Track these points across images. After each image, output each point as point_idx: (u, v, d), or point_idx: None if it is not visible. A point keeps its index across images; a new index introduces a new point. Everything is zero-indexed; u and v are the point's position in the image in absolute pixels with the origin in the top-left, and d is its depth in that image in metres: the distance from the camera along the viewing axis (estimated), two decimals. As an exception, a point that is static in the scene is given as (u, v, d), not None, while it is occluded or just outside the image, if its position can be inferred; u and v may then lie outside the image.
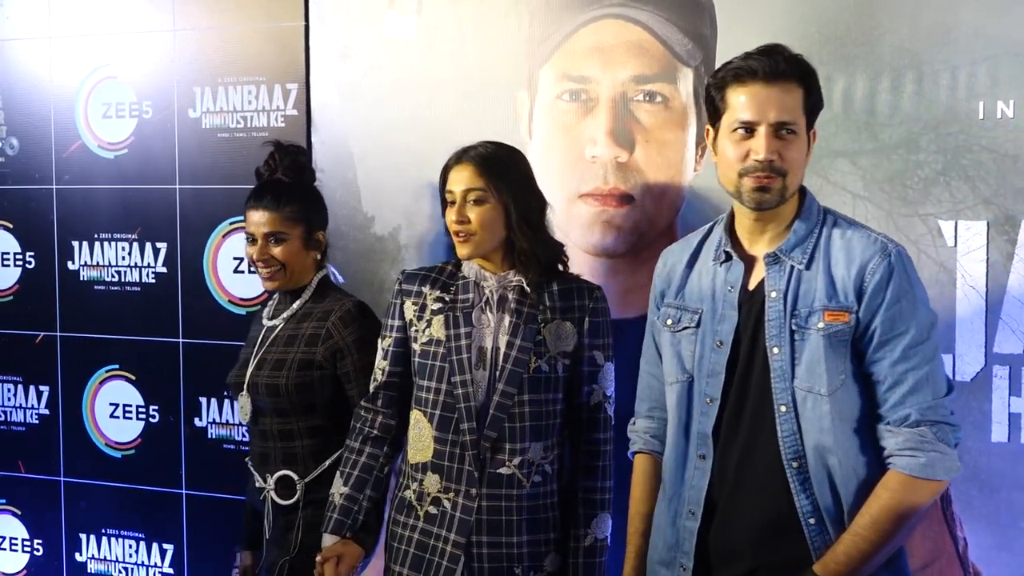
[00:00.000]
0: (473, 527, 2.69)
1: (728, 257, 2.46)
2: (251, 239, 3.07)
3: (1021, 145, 2.85)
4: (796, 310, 2.32)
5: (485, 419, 2.70)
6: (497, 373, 2.71)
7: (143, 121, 3.98)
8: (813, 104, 2.37)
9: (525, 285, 2.77)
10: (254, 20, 3.77)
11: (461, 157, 2.76)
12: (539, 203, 2.80)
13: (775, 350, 2.32)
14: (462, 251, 2.75)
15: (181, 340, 3.97)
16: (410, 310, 2.84)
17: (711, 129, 2.44)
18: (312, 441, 3.02)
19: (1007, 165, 2.86)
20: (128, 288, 4.05)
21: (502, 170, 2.74)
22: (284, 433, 3.02)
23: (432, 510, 2.74)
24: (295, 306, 3.12)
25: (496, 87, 3.40)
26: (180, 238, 3.96)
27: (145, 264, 4.01)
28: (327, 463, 3.01)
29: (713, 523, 2.40)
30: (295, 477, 3.00)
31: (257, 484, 3.07)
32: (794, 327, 2.31)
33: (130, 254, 4.03)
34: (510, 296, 2.77)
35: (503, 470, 2.70)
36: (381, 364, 2.88)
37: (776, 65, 2.32)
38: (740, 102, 2.34)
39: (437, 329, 2.77)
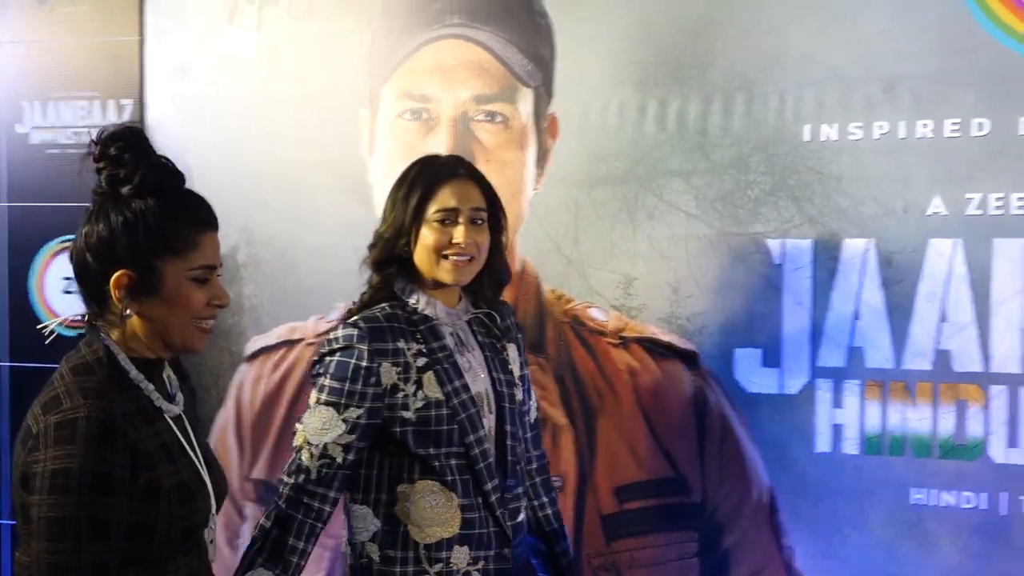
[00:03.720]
0: None
1: None
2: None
3: (844, 166, 2.90)
4: None
5: (504, 471, 2.39)
6: (499, 417, 2.41)
7: (-33, 135, 3.81)
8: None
9: (494, 314, 2.49)
10: (87, 34, 3.65)
11: (456, 171, 2.39)
12: None
13: None
14: (458, 277, 2.35)
15: (9, 364, 3.81)
16: (391, 374, 2.31)
17: None
18: None
19: (831, 186, 2.92)
20: (-48, 308, 3.87)
21: (493, 190, 2.45)
22: None
23: None
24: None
25: (338, 105, 3.36)
26: (8, 257, 3.80)
27: (-30, 283, 3.82)
28: None
29: None
30: None
31: None
32: None
33: (-45, 273, 3.83)
34: (474, 327, 2.46)
35: (520, 517, 2.44)
36: (344, 439, 2.29)
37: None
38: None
39: (431, 389, 2.32)
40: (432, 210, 2.34)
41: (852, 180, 2.91)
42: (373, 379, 2.28)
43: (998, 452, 2.82)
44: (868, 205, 2.90)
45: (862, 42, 2.88)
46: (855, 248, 2.91)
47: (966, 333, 2.83)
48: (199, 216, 1.92)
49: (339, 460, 2.29)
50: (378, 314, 2.34)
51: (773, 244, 2.98)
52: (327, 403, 2.29)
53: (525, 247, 3.19)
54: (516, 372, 2.48)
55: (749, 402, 3.00)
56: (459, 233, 2.33)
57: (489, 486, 2.34)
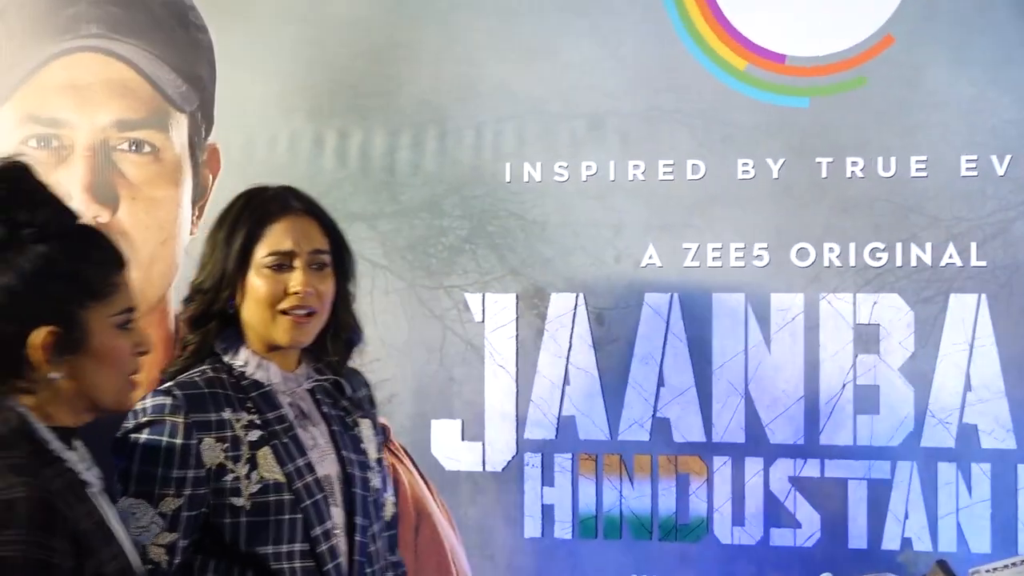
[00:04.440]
0: None
1: None
2: None
3: (549, 211, 2.82)
4: None
5: (351, 573, 2.05)
6: (348, 507, 2.08)
7: None
8: None
9: (342, 383, 2.16)
10: None
11: (290, 205, 2.07)
12: None
13: None
14: (298, 336, 2.03)
15: None
16: (215, 452, 1.98)
17: None
18: None
19: (535, 232, 2.83)
20: None
21: (334, 225, 2.12)
22: None
23: None
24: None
25: None
26: None
27: None
28: None
29: None
30: None
31: None
32: None
33: None
34: (318, 397, 2.13)
35: None
36: (164, 539, 1.95)
37: None
38: None
39: (268, 469, 2.00)
40: (261, 254, 2.04)
41: (558, 226, 2.84)
42: (192, 459, 1.96)
43: (723, 532, 2.74)
44: (576, 255, 2.83)
45: (564, 74, 2.84)
46: (563, 303, 2.81)
47: (686, 398, 2.75)
48: (111, 254, 1.74)
49: (164, 567, 1.95)
50: (197, 378, 2.03)
51: (472, 299, 2.88)
52: (136, 495, 1.95)
53: (180, 303, 2.88)
54: (372, 454, 2.18)
55: (449, 481, 2.89)
56: (296, 280, 2.02)
57: None
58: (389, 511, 2.23)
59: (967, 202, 2.60)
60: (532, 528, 2.81)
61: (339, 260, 2.11)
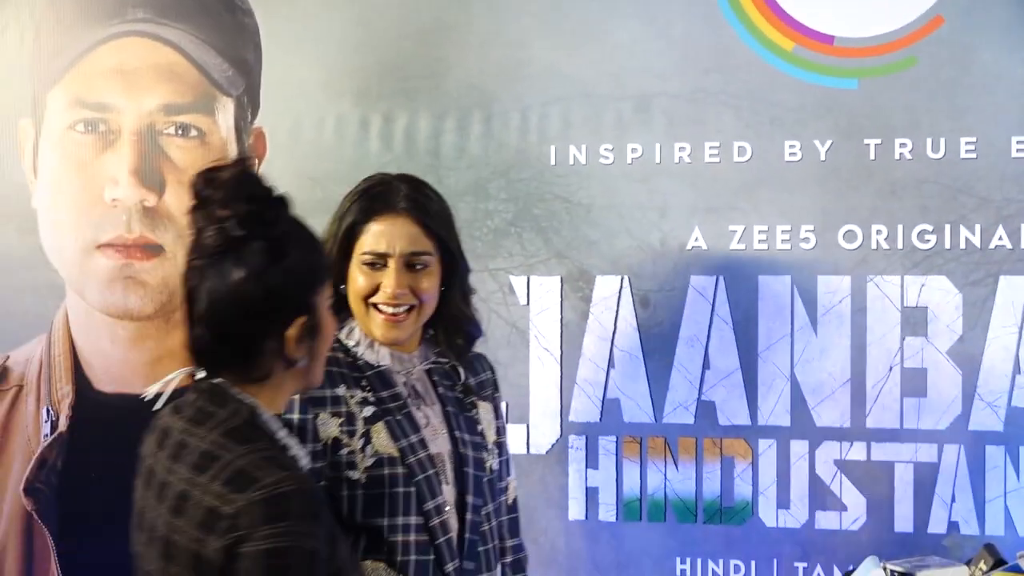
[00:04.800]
0: None
1: None
2: None
3: (594, 194, 2.79)
4: None
5: (462, 550, 2.07)
6: (459, 485, 2.10)
7: None
8: None
9: (457, 365, 2.18)
10: None
11: (394, 204, 2.08)
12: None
13: None
14: (397, 333, 2.06)
15: None
16: (330, 426, 2.03)
17: None
18: None
19: (580, 215, 2.80)
20: None
21: (443, 220, 2.13)
22: None
23: None
24: None
25: None
26: None
27: None
28: None
29: None
30: None
31: None
32: None
33: None
34: (435, 379, 2.16)
35: None
36: None
37: None
38: None
39: (382, 443, 2.03)
40: (359, 250, 2.08)
41: (603, 209, 2.81)
42: (309, 434, 2.00)
43: (768, 514, 2.71)
44: (622, 237, 2.79)
45: (611, 56, 2.80)
46: (608, 286, 2.78)
47: (732, 381, 2.72)
48: (318, 239, 1.83)
49: None
50: None
51: (517, 282, 2.84)
52: None
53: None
54: (490, 437, 2.20)
55: (493, 464, 2.89)
56: (388, 280, 2.06)
57: (450, 567, 2.05)
58: (511, 495, 2.27)
59: (1017, 183, 2.56)
60: (576, 511, 2.79)
61: (449, 257, 2.12)
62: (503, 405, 2.31)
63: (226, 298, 1.68)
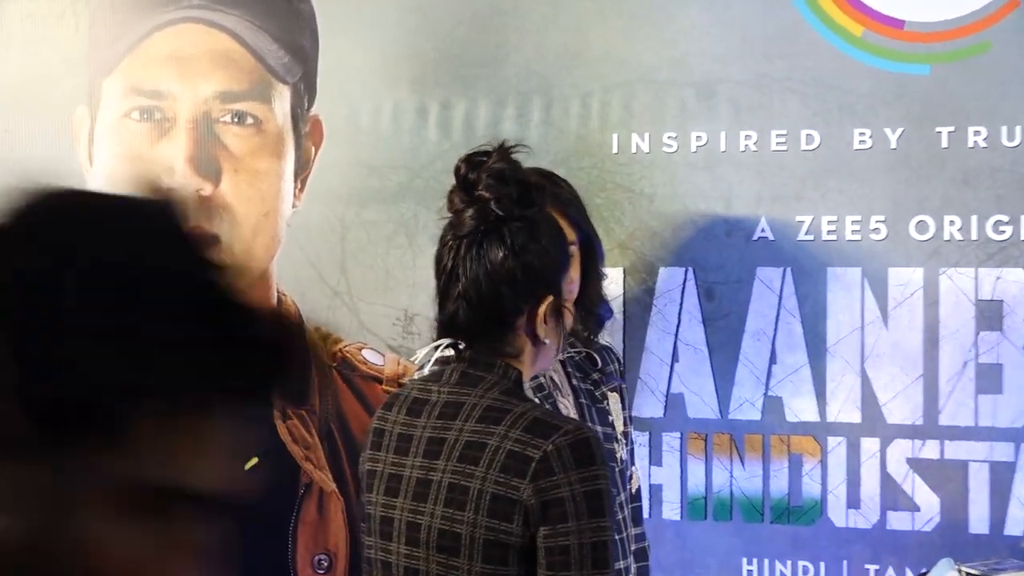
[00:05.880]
0: None
1: None
2: None
3: (657, 183, 2.75)
4: None
5: None
6: None
7: None
8: None
9: (594, 356, 2.26)
10: None
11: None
12: None
13: None
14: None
15: None
16: None
17: None
18: None
19: (643, 205, 2.77)
20: None
21: (579, 207, 2.24)
22: None
23: None
24: None
25: (48, 101, 3.10)
26: None
27: None
28: None
29: None
30: None
31: None
32: None
33: None
34: (568, 370, 2.23)
35: None
36: None
37: None
38: None
39: None
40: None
41: (667, 199, 2.76)
42: None
43: (838, 514, 2.67)
44: (686, 228, 2.75)
45: (674, 41, 2.75)
46: (672, 278, 2.75)
47: (800, 376, 2.68)
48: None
49: None
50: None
51: None
52: None
53: (282, 275, 3.00)
54: (619, 427, 2.28)
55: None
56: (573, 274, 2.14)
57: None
58: (635, 484, 2.34)
59: (1097, 173, 2.50)
60: (640, 507, 2.79)
61: (587, 242, 2.19)
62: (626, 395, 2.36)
63: (488, 275, 1.77)
